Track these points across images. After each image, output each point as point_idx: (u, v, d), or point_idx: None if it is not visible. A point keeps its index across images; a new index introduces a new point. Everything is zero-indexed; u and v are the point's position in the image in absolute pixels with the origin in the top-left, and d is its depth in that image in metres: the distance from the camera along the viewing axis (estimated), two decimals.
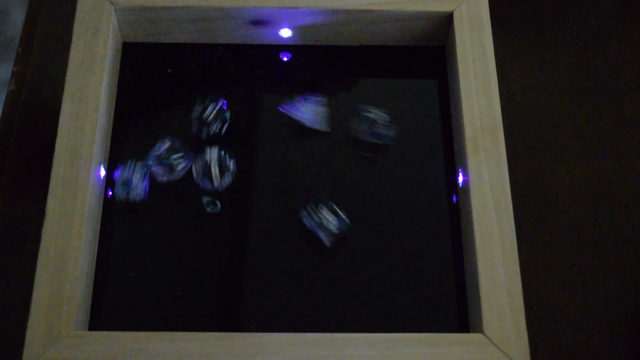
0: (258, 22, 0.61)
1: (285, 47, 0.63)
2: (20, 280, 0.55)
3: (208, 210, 0.56)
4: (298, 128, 0.60)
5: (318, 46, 0.63)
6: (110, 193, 0.56)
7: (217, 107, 0.57)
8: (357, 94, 0.62)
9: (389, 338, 0.50)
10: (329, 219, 0.54)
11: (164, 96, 0.61)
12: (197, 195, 0.58)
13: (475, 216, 0.53)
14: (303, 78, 0.62)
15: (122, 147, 0.59)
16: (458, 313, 0.54)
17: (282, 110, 0.59)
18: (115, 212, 0.57)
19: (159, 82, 0.62)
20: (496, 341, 0.49)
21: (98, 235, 0.55)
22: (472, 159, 0.55)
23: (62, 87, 0.57)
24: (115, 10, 0.60)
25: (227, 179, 0.56)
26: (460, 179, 0.57)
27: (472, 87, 0.57)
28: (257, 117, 0.61)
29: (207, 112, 0.57)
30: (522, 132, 0.61)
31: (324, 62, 0.63)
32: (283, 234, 0.57)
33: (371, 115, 0.58)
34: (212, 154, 0.56)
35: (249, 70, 0.63)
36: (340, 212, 0.55)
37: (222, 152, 0.56)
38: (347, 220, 0.55)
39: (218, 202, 0.56)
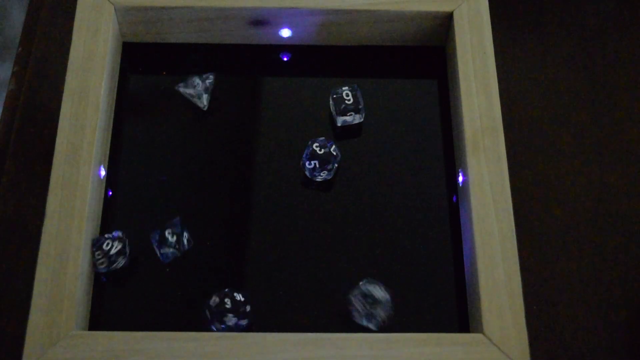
0: (258, 22, 0.61)
1: (285, 47, 0.63)
2: (20, 280, 0.55)
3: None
4: (295, 128, 0.60)
5: (318, 46, 0.63)
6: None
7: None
8: None
9: (389, 338, 0.50)
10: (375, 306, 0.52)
11: (164, 96, 0.61)
12: (197, 199, 0.58)
13: (475, 216, 0.53)
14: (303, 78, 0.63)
15: (122, 147, 0.59)
16: (458, 313, 0.54)
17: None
18: (115, 212, 0.57)
19: (159, 82, 0.62)
20: (496, 341, 0.49)
21: (98, 235, 0.55)
22: (472, 159, 0.55)
23: (62, 87, 0.57)
24: (115, 10, 0.60)
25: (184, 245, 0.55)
26: (460, 179, 0.57)
27: (472, 87, 0.57)
28: (255, 118, 0.61)
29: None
30: (522, 132, 0.61)
31: (324, 62, 0.63)
32: (283, 234, 0.57)
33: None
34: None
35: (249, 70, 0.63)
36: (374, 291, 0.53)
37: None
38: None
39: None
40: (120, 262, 0.54)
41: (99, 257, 0.53)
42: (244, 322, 0.52)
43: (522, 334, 0.49)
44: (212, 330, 0.52)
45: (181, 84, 0.60)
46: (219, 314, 0.51)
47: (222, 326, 0.52)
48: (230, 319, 0.51)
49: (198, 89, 0.60)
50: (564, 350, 0.54)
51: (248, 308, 0.52)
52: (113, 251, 0.53)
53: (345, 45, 0.63)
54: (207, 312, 0.52)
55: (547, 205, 0.59)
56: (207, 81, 0.60)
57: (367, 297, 0.52)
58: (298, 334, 0.50)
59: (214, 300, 0.52)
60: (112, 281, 0.55)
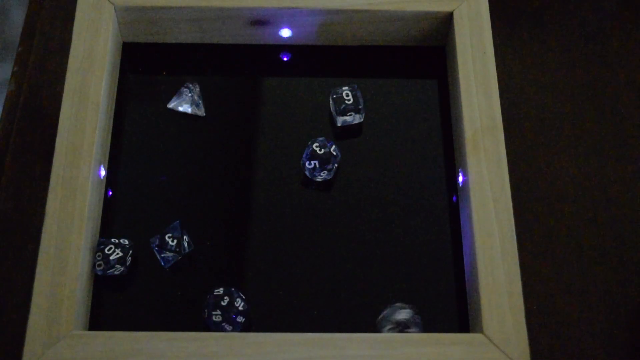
0: (258, 22, 0.61)
1: (285, 47, 0.63)
2: (20, 280, 0.55)
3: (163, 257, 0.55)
4: (295, 128, 0.60)
5: (318, 46, 0.63)
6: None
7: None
8: None
9: (389, 338, 0.50)
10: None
11: (164, 97, 0.61)
12: (197, 199, 0.58)
13: (475, 216, 0.53)
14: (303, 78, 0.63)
15: (122, 147, 0.59)
16: (458, 313, 0.54)
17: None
18: (115, 212, 0.57)
19: (159, 82, 0.62)
20: (496, 341, 0.49)
21: (98, 235, 0.55)
22: (472, 159, 0.55)
23: (62, 87, 0.57)
24: (115, 10, 0.60)
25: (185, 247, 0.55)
26: (460, 179, 0.57)
27: (472, 87, 0.57)
28: (255, 121, 0.61)
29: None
30: (522, 132, 0.61)
31: (324, 62, 0.63)
32: (283, 235, 0.57)
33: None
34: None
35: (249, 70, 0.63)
36: None
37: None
38: None
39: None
40: (118, 269, 0.54)
41: (99, 258, 0.53)
42: (229, 327, 0.52)
43: (522, 334, 0.49)
44: (203, 317, 0.52)
45: (171, 104, 0.60)
46: (212, 305, 0.52)
47: (210, 319, 0.52)
48: (217, 316, 0.51)
49: (189, 103, 0.60)
50: (564, 350, 0.54)
51: (240, 319, 0.52)
52: (113, 257, 0.53)
53: (345, 45, 0.63)
54: (207, 297, 0.52)
55: (547, 205, 0.59)
56: (195, 95, 0.60)
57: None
58: (298, 334, 0.50)
59: (218, 291, 0.52)
60: (112, 281, 0.55)
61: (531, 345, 0.50)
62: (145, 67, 0.63)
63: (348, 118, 0.59)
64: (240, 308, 0.52)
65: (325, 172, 0.57)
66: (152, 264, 0.55)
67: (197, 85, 0.60)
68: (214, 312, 0.51)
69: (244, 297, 0.52)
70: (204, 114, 0.60)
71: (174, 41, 0.63)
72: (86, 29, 0.59)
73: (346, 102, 0.59)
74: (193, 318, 0.53)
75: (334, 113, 0.60)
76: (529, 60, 0.65)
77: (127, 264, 0.54)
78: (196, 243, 0.56)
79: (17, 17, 1.29)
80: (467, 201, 0.54)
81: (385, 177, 0.59)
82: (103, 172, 0.57)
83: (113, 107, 0.60)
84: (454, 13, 0.60)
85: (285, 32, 0.62)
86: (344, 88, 0.59)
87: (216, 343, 0.49)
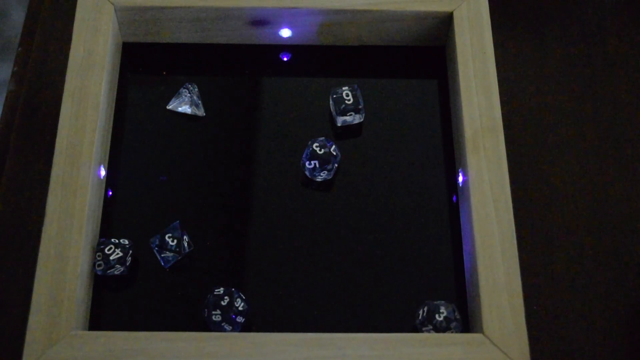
0: (258, 22, 0.61)
1: (285, 47, 0.63)
2: (20, 280, 0.55)
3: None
4: (295, 128, 0.60)
5: (318, 46, 0.63)
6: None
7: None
8: None
9: (389, 338, 0.50)
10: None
11: (164, 97, 0.61)
12: (197, 199, 0.58)
13: (475, 216, 0.53)
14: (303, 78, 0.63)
15: (122, 147, 0.59)
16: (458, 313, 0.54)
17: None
18: (115, 213, 0.57)
19: (159, 82, 0.62)
20: (496, 341, 0.49)
21: (98, 235, 0.55)
22: (472, 159, 0.55)
23: (62, 87, 0.57)
24: (115, 10, 0.60)
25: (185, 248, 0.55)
26: (460, 179, 0.57)
27: (472, 87, 0.57)
28: (255, 120, 0.61)
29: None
30: (522, 132, 0.61)
31: (324, 62, 0.63)
32: (283, 235, 0.57)
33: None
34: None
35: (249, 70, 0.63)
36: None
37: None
38: None
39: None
40: (118, 269, 0.54)
41: (99, 258, 0.53)
42: (228, 327, 0.52)
43: (522, 334, 0.49)
44: (203, 317, 0.52)
45: (170, 105, 0.60)
46: (212, 305, 0.52)
47: (210, 319, 0.52)
48: (217, 316, 0.51)
49: (189, 104, 0.60)
50: (564, 350, 0.54)
51: (240, 319, 0.52)
52: (113, 257, 0.53)
53: (345, 45, 0.63)
54: (207, 297, 0.52)
55: (547, 205, 0.59)
56: (194, 95, 0.60)
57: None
58: (298, 334, 0.50)
59: (218, 291, 0.52)
60: (112, 281, 0.55)
61: (531, 345, 0.50)
62: (145, 67, 0.63)
63: (348, 118, 0.59)
64: (240, 308, 0.52)
65: (325, 172, 0.57)
66: (152, 264, 0.55)
67: (195, 86, 0.60)
68: (213, 312, 0.51)
69: (244, 297, 0.52)
70: (204, 114, 0.60)
71: (174, 41, 0.63)
72: (86, 29, 0.59)
73: (346, 102, 0.59)
74: (193, 318, 0.53)
75: (334, 113, 0.60)
76: (529, 60, 0.65)
77: (127, 264, 0.54)
78: (196, 243, 0.56)
79: (17, 17, 1.29)
80: (467, 201, 0.54)
81: (385, 177, 0.59)
82: (103, 172, 0.57)
83: (113, 107, 0.60)
84: (454, 13, 0.60)
85: (285, 32, 0.62)
86: (344, 88, 0.59)
87: (216, 343, 0.49)
